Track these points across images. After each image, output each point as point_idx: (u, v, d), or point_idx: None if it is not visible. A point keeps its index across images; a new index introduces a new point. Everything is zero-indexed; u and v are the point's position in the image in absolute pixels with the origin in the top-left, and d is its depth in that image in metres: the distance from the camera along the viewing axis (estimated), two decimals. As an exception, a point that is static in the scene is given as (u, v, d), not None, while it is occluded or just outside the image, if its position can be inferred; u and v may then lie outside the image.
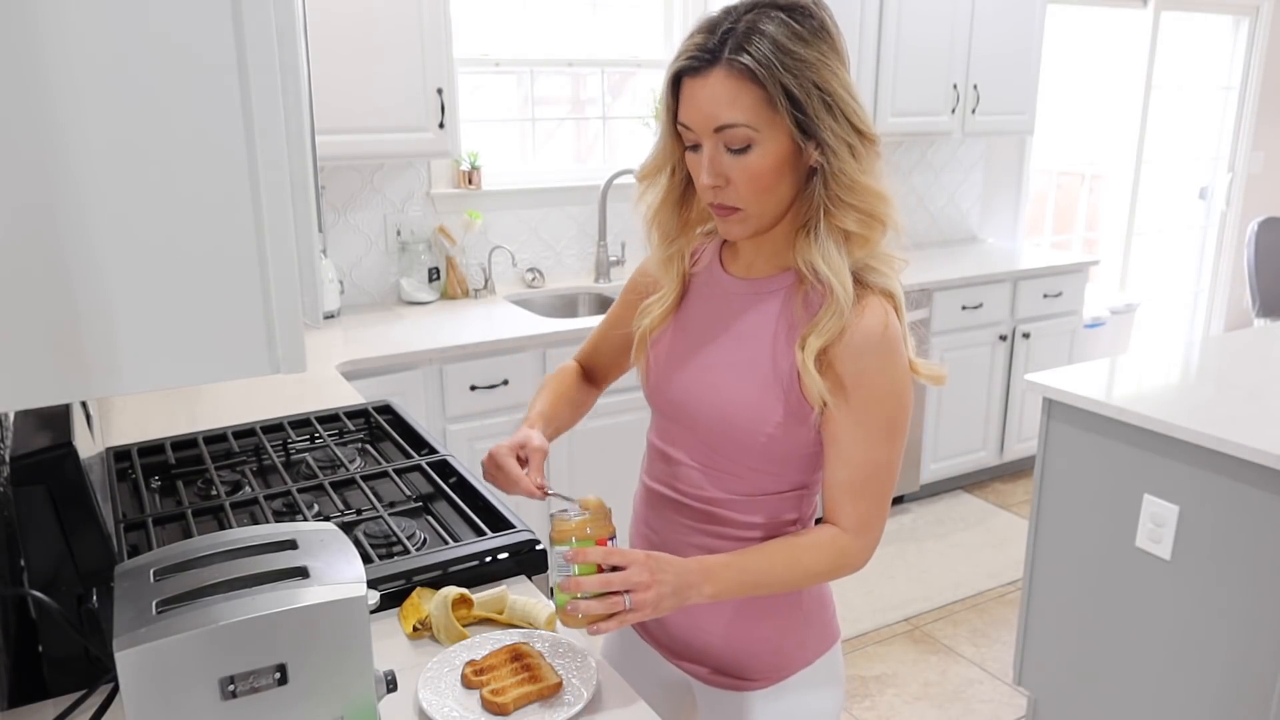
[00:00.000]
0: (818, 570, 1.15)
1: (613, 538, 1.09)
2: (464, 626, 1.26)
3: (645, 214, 1.23)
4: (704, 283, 1.25)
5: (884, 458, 1.12)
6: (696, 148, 1.10)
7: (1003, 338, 3.90)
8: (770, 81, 1.02)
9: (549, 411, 1.34)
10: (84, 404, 1.45)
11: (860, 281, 1.10)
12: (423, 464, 1.72)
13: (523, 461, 1.22)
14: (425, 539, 1.47)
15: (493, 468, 1.22)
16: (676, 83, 1.09)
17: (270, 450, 1.79)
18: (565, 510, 1.10)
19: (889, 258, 1.13)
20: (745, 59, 1.02)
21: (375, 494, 1.61)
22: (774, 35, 1.03)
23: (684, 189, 1.20)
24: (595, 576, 1.05)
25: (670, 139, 1.14)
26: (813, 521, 1.24)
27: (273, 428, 1.91)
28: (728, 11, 1.06)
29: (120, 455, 1.76)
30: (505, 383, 2.81)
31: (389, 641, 1.26)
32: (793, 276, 1.15)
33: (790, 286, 1.15)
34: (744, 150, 1.06)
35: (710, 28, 1.06)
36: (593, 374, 1.45)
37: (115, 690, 1.03)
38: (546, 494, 1.19)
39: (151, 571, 0.90)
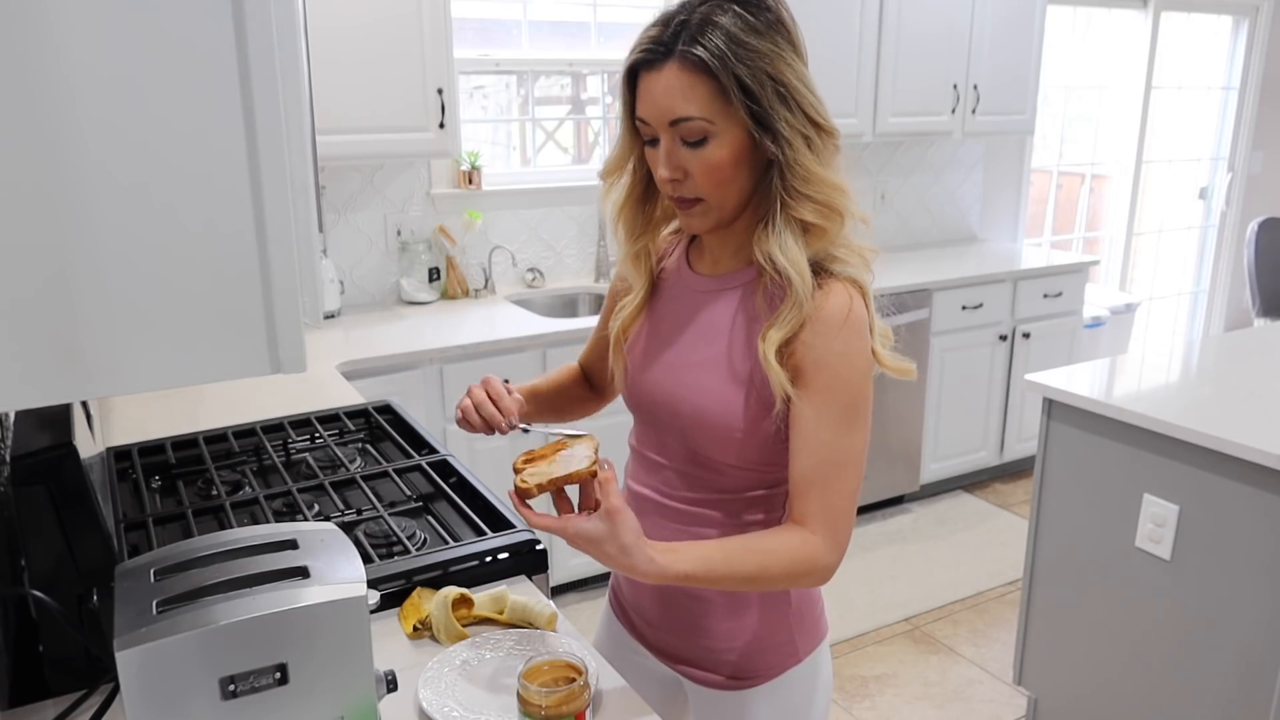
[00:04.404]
0: (786, 577, 1.09)
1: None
2: (464, 626, 1.26)
3: (611, 212, 1.24)
4: (673, 281, 1.25)
5: (847, 447, 1.09)
6: (655, 142, 1.10)
7: (1003, 338, 3.90)
8: (723, 73, 1.02)
9: (538, 388, 1.38)
10: (84, 404, 1.45)
11: (825, 270, 1.10)
12: (423, 464, 1.72)
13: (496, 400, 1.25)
14: (425, 539, 1.47)
15: (479, 386, 1.24)
16: (633, 77, 1.09)
17: (270, 450, 1.79)
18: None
19: (857, 249, 1.12)
20: (698, 51, 1.02)
21: (375, 494, 1.61)
22: (727, 27, 1.03)
23: (646, 185, 1.20)
24: (532, 515, 1.05)
25: (629, 135, 1.14)
26: None
27: (273, 428, 1.91)
28: (684, 5, 1.07)
29: (120, 455, 1.76)
30: (506, 382, 2.81)
31: (389, 641, 1.26)
32: (754, 271, 1.15)
33: (751, 281, 1.15)
34: (700, 143, 1.06)
35: (665, 21, 1.06)
36: (593, 380, 1.46)
37: (115, 690, 1.03)
38: (512, 428, 1.21)
39: (152, 571, 0.90)
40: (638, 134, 1.13)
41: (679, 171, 1.09)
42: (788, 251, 1.07)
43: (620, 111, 1.14)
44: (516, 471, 1.09)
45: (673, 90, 1.05)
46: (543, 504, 1.07)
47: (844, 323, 1.07)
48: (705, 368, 1.16)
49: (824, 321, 1.07)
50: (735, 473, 1.17)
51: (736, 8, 1.04)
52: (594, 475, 1.05)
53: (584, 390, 1.45)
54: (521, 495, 1.05)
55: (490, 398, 1.23)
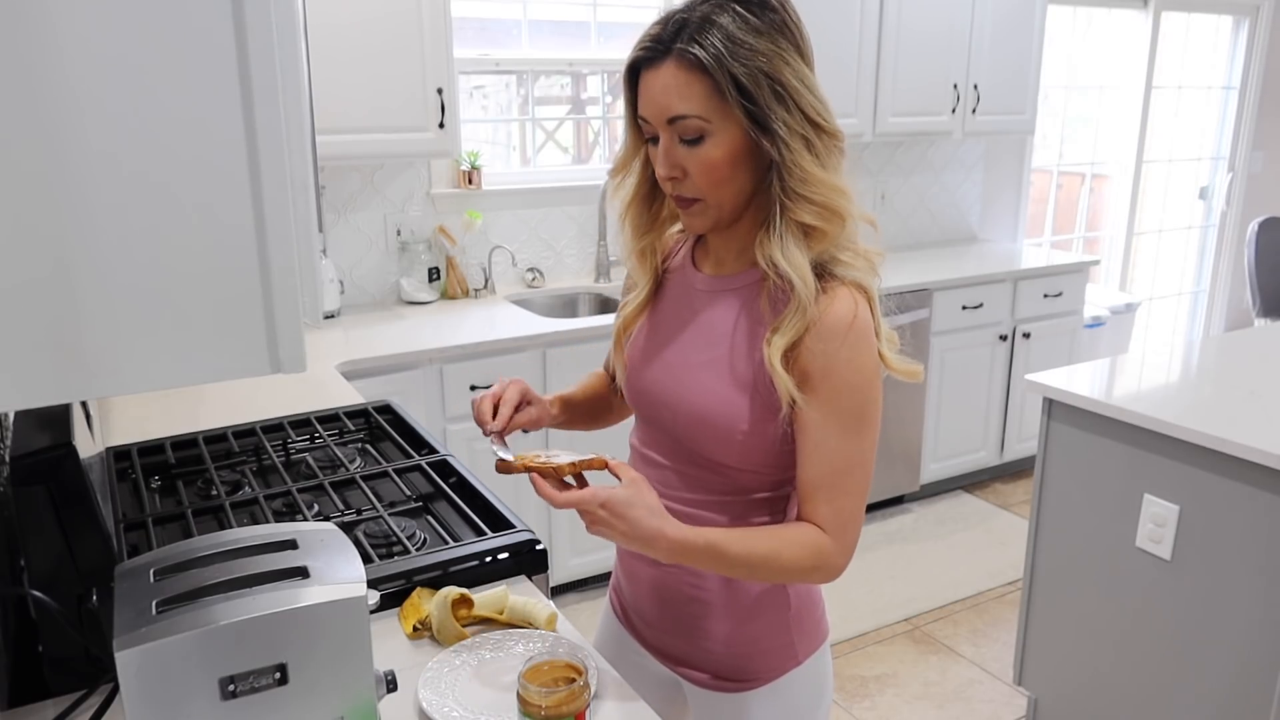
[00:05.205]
0: (795, 568, 1.11)
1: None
2: (464, 626, 1.26)
3: (618, 209, 1.24)
4: (676, 280, 1.25)
5: (856, 452, 1.10)
6: (656, 140, 1.10)
7: (1003, 338, 3.90)
8: (719, 71, 1.02)
9: (573, 397, 1.38)
10: (84, 404, 1.45)
11: (829, 274, 1.09)
12: (423, 464, 1.72)
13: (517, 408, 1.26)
14: (425, 539, 1.47)
15: (500, 386, 1.25)
16: (634, 75, 1.10)
17: (270, 450, 1.79)
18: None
19: (862, 251, 1.12)
20: (695, 49, 1.03)
21: (375, 494, 1.61)
22: (726, 26, 1.03)
23: (651, 183, 1.20)
24: (558, 494, 1.06)
25: (633, 133, 1.15)
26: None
27: (273, 428, 1.91)
28: (686, 4, 1.07)
29: (120, 455, 1.76)
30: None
31: (389, 641, 1.26)
32: (759, 273, 1.14)
33: (755, 283, 1.15)
34: (697, 141, 1.06)
35: (665, 19, 1.07)
36: (615, 381, 1.44)
37: (115, 690, 1.03)
38: (491, 434, 1.21)
39: (151, 571, 0.90)
40: (641, 132, 1.13)
41: (677, 170, 1.09)
42: (789, 255, 1.07)
43: (624, 110, 1.14)
44: (511, 469, 1.11)
45: (669, 88, 1.05)
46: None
47: (849, 329, 1.07)
48: (706, 369, 1.16)
49: (829, 328, 1.07)
50: (736, 474, 1.17)
51: (738, 7, 1.04)
52: (605, 464, 1.10)
53: (615, 396, 1.44)
54: (547, 476, 1.08)
55: (494, 403, 1.25)
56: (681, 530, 1.07)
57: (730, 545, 1.08)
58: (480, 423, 1.24)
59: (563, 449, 1.15)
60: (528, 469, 1.09)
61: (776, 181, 1.07)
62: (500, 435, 1.22)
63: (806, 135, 1.06)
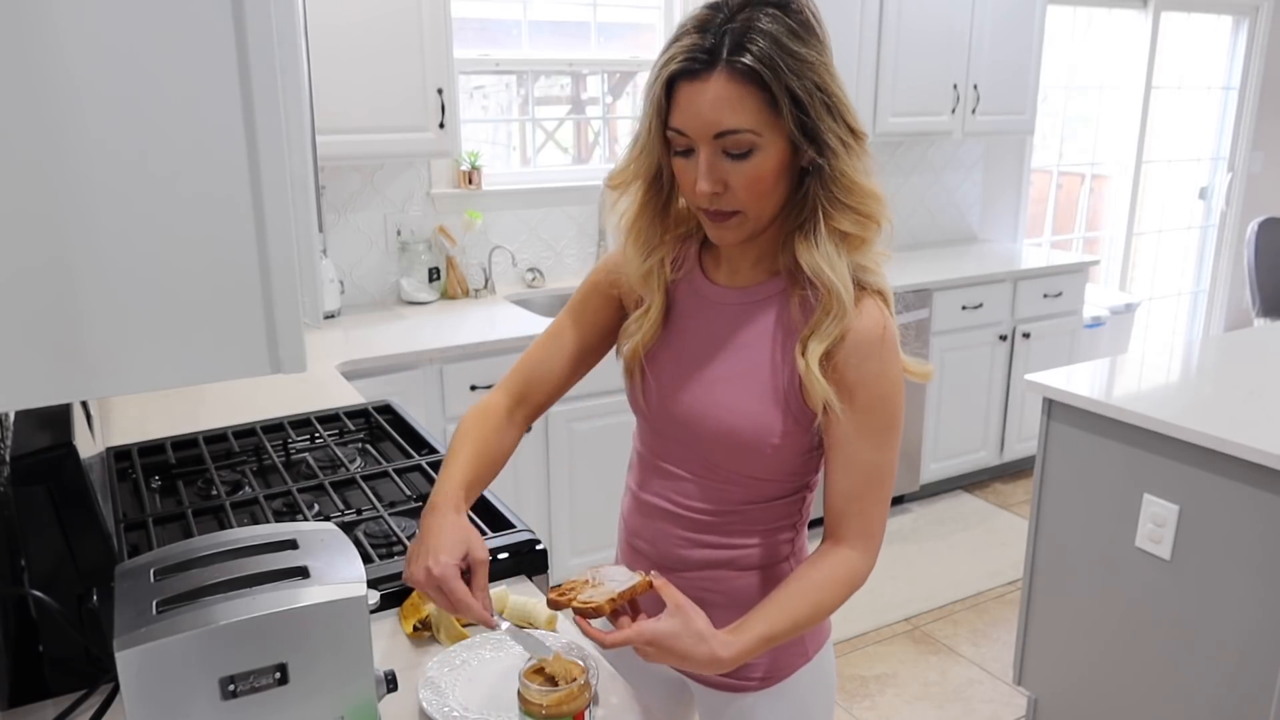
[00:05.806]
0: (837, 603, 1.11)
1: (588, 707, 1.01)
2: (464, 626, 1.26)
3: (619, 224, 1.18)
4: (688, 293, 1.20)
5: (885, 462, 1.11)
6: (687, 153, 1.06)
7: (1003, 338, 3.90)
8: (775, 83, 0.99)
9: (472, 478, 1.16)
10: (84, 404, 1.45)
11: (855, 282, 1.08)
12: (423, 464, 1.72)
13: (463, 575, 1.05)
14: (425, 539, 1.47)
15: (433, 590, 1.02)
16: (667, 86, 1.04)
17: (270, 450, 1.79)
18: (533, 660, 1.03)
19: (874, 254, 1.11)
20: (747, 59, 0.98)
21: (375, 494, 1.61)
22: (773, 34, 0.99)
23: (668, 195, 1.15)
24: (605, 636, 1.02)
25: (658, 144, 1.08)
26: (806, 526, 1.24)
27: (273, 428, 1.91)
28: (717, 8, 1.02)
29: (120, 455, 1.76)
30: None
31: (389, 641, 1.26)
32: (782, 282, 1.13)
33: (783, 293, 1.13)
34: (745, 155, 1.02)
35: (702, 26, 1.01)
36: (526, 403, 1.27)
37: (115, 690, 1.03)
38: (497, 626, 1.06)
39: (151, 571, 0.90)
40: (666, 143, 1.08)
41: (720, 184, 1.05)
42: (835, 266, 1.06)
43: (649, 121, 1.08)
44: (558, 605, 1.06)
45: (721, 102, 1.00)
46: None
47: (880, 342, 1.07)
48: (739, 385, 1.13)
49: (862, 341, 1.07)
50: (760, 484, 1.16)
51: (776, 11, 1.00)
52: (650, 585, 1.05)
53: (512, 437, 1.25)
54: (588, 615, 1.03)
55: (464, 602, 1.03)
56: (732, 647, 1.03)
57: (776, 626, 1.06)
58: (481, 621, 1.05)
59: (611, 565, 1.10)
60: (572, 607, 1.04)
61: (819, 189, 1.05)
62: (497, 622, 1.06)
63: (846, 140, 1.04)
